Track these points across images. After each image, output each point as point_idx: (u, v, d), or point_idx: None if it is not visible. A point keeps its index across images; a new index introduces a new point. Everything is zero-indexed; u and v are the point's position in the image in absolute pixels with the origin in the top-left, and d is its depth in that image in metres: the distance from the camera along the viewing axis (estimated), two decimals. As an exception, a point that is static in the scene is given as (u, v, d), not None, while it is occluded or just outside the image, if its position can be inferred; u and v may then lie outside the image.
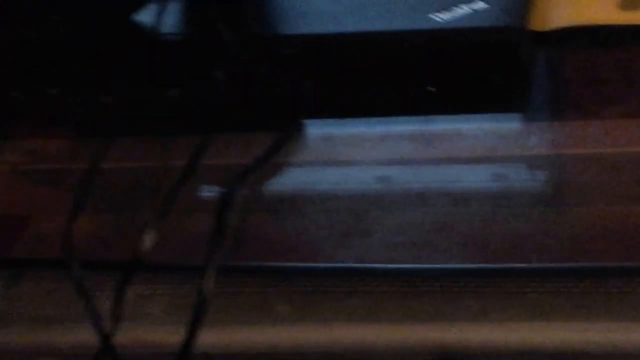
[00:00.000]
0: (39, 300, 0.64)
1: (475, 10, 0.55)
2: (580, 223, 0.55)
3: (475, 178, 0.60)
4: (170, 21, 0.59)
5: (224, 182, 0.55)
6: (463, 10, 0.55)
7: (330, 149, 0.60)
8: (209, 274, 0.51)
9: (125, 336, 0.56)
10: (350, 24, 0.57)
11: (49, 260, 0.57)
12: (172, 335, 0.58)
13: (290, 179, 0.59)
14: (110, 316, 0.54)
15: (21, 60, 0.59)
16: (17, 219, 0.64)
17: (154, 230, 0.53)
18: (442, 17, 0.55)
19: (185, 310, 0.55)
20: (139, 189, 0.59)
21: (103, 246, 0.58)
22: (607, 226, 0.54)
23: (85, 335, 0.60)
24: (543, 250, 0.53)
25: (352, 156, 0.61)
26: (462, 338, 0.57)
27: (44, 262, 0.58)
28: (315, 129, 0.60)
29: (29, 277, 0.64)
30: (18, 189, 0.59)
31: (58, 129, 0.61)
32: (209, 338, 0.54)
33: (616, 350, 0.53)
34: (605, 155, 0.57)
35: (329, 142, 0.61)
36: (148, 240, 0.53)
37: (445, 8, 0.55)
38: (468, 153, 0.60)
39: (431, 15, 0.55)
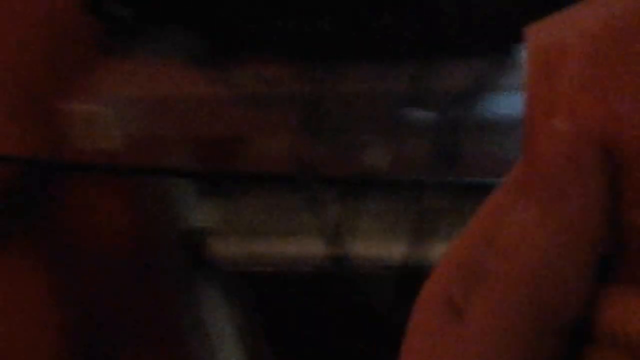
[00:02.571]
0: (262, 213, 0.69)
1: None
2: None
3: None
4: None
5: (444, 105, 0.59)
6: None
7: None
8: (436, 189, 0.54)
9: (349, 249, 0.60)
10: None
11: (281, 175, 0.61)
12: (391, 249, 0.62)
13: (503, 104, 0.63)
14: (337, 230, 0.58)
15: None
16: (242, 139, 0.69)
17: (381, 149, 0.57)
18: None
19: (401, 227, 0.60)
20: (360, 112, 0.63)
21: (329, 164, 0.62)
22: None
23: (309, 247, 0.65)
24: None
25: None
26: None
27: (275, 177, 0.62)
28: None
29: (253, 192, 0.70)
30: (244, 111, 0.63)
31: (282, 56, 0.65)
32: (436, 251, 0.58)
33: None
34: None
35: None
36: (376, 158, 0.57)
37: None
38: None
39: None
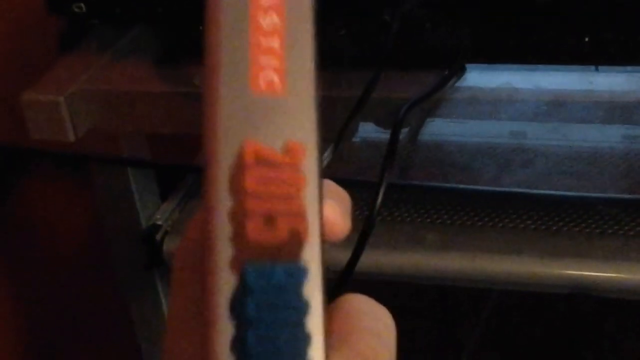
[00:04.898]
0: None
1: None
2: None
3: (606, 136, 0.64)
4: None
5: (393, 112, 0.61)
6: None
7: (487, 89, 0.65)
8: (382, 189, 0.55)
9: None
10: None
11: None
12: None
13: (452, 113, 0.65)
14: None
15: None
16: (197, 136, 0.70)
17: (330, 151, 0.58)
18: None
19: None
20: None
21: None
22: None
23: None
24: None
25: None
26: (597, 275, 0.62)
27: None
28: (474, 71, 0.65)
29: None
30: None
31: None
32: (368, 259, 0.59)
33: None
34: None
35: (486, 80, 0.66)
36: (324, 160, 0.58)
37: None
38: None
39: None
